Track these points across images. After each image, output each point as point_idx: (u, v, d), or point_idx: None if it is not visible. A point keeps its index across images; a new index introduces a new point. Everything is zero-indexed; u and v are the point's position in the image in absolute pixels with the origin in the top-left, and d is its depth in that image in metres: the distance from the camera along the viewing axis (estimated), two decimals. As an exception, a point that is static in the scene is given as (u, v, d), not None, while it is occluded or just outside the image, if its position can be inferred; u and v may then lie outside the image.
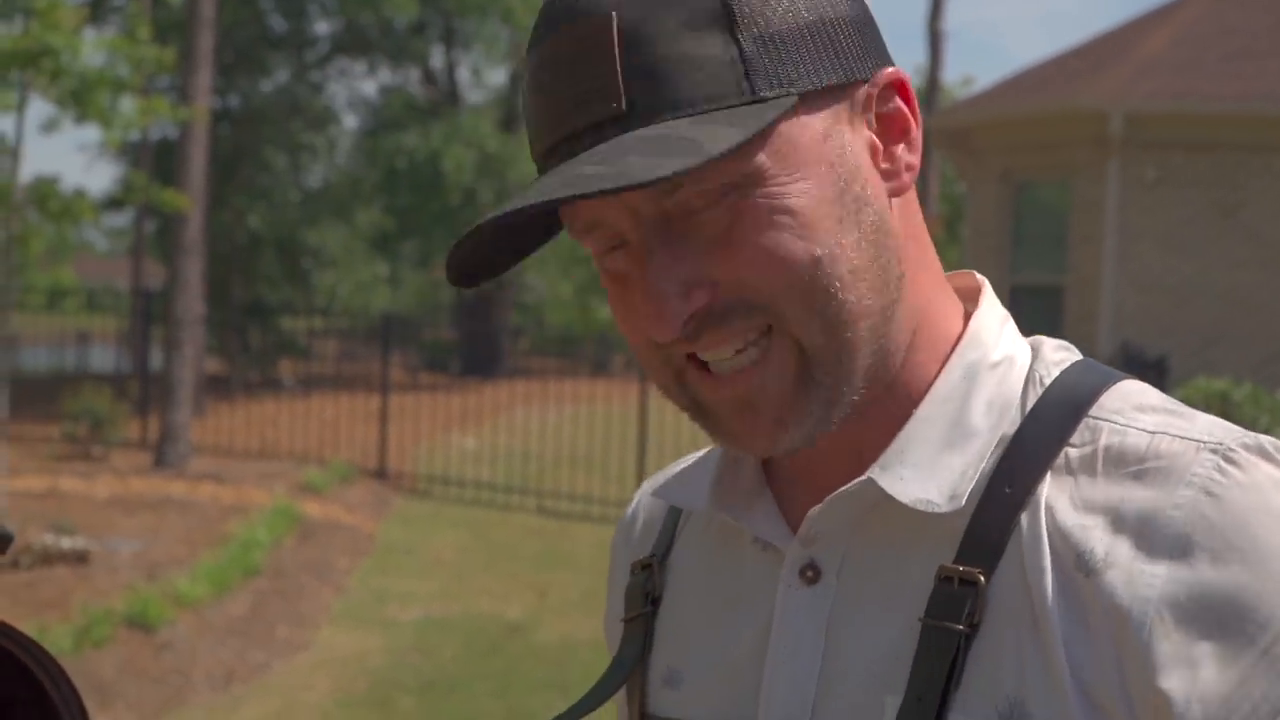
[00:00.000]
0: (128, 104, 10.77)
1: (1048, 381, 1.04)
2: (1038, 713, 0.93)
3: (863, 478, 1.00)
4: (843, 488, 1.01)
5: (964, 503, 0.98)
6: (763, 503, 1.10)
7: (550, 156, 0.97)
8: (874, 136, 1.02)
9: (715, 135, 0.91)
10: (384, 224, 28.97)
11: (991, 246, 17.04)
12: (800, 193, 0.96)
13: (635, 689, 1.16)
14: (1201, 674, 0.90)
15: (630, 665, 1.15)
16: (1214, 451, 0.95)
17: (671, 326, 0.95)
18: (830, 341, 0.98)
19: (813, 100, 0.98)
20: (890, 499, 1.00)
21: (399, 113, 29.39)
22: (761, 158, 0.95)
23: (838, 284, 0.97)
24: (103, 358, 26.08)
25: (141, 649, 7.89)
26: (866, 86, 1.02)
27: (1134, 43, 17.10)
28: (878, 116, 1.02)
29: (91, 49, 10.14)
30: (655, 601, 1.17)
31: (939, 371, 1.05)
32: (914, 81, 1.00)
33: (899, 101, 1.04)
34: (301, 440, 16.30)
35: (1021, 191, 17.07)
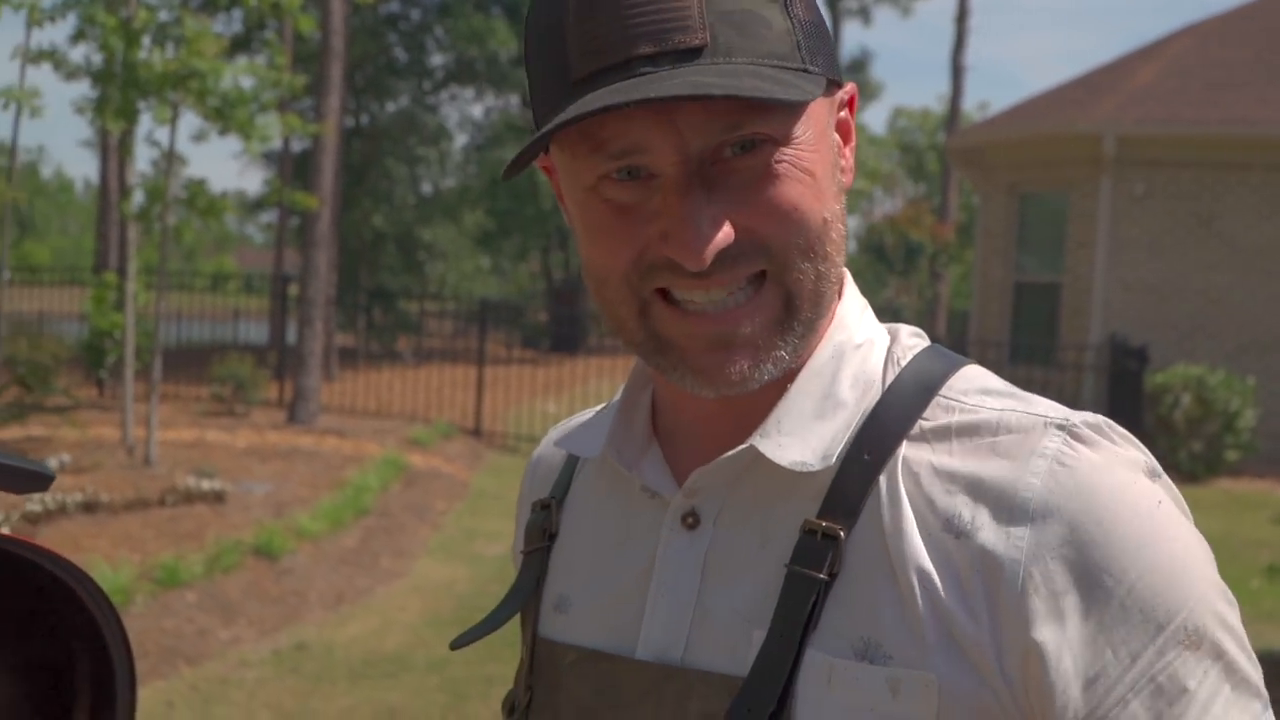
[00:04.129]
0: (266, 120, 10.81)
1: (904, 362, 1.01)
2: (895, 653, 0.90)
3: (745, 445, 0.97)
4: (728, 453, 0.98)
5: (834, 462, 0.95)
6: (651, 455, 1.07)
7: (608, 74, 0.88)
8: (838, 136, 1.01)
9: (798, 83, 0.89)
10: (486, 224, 29.06)
11: (999, 249, 16.83)
12: (818, 161, 0.94)
13: (529, 615, 1.12)
14: (1069, 626, 0.88)
15: (526, 593, 1.11)
16: (1060, 427, 0.93)
17: (707, 255, 0.89)
18: (814, 295, 0.95)
19: (826, 89, 0.95)
20: (765, 460, 0.97)
21: (501, 131, 29.38)
22: (798, 123, 0.92)
23: (830, 248, 0.95)
24: (256, 332, 26.34)
25: (265, 574, 7.91)
26: (840, 92, 1.01)
27: (1126, 74, 16.83)
28: (836, 121, 1.01)
29: (233, 73, 10.20)
30: (552, 537, 1.14)
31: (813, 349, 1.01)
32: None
33: (847, 112, 1.02)
34: (411, 403, 16.40)
35: (1026, 202, 16.84)
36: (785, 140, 0.91)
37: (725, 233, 0.90)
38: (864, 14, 43.47)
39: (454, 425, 15.06)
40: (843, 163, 1.00)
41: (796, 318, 0.94)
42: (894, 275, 27.66)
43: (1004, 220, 16.85)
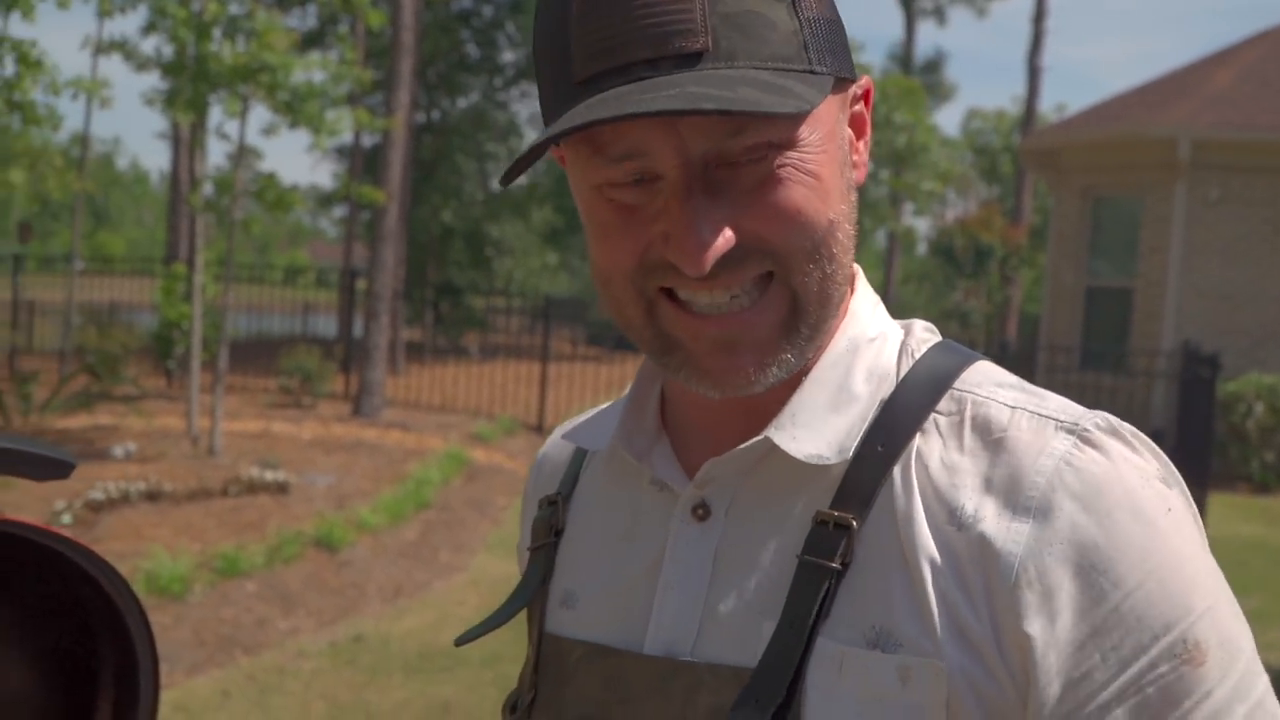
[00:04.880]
0: (335, 114, 10.89)
1: (918, 355, 1.01)
2: (906, 642, 0.90)
3: (760, 437, 0.97)
4: (743, 445, 0.97)
5: (849, 455, 0.95)
6: (661, 448, 1.06)
7: (609, 77, 0.87)
8: (851, 131, 1.00)
9: (800, 90, 0.87)
10: (555, 221, 29.11)
11: (1072, 252, 16.63)
12: (824, 163, 0.93)
13: (536, 611, 1.11)
14: (1059, 624, 0.87)
15: (532, 589, 1.11)
16: (1070, 431, 0.92)
17: (706, 261, 0.88)
18: (820, 297, 0.94)
19: (835, 86, 0.94)
20: (778, 453, 0.97)
21: (570, 128, 29.40)
22: (803, 125, 0.91)
23: (837, 249, 0.94)
24: (327, 325, 26.59)
25: (325, 566, 7.95)
26: (854, 87, 1.00)
27: (1202, 78, 16.58)
28: (850, 116, 1.00)
29: (303, 67, 10.28)
30: (558, 533, 1.13)
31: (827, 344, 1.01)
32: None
33: (862, 106, 1.02)
34: (475, 398, 16.47)
35: (1100, 206, 16.62)
36: (789, 144, 0.90)
37: (726, 238, 0.89)
38: (939, 14, 43.13)
39: (517, 421, 15.09)
40: (854, 158, 0.99)
41: (803, 320, 0.94)
42: (963, 278, 27.40)
43: (1077, 224, 16.64)
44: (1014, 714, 0.88)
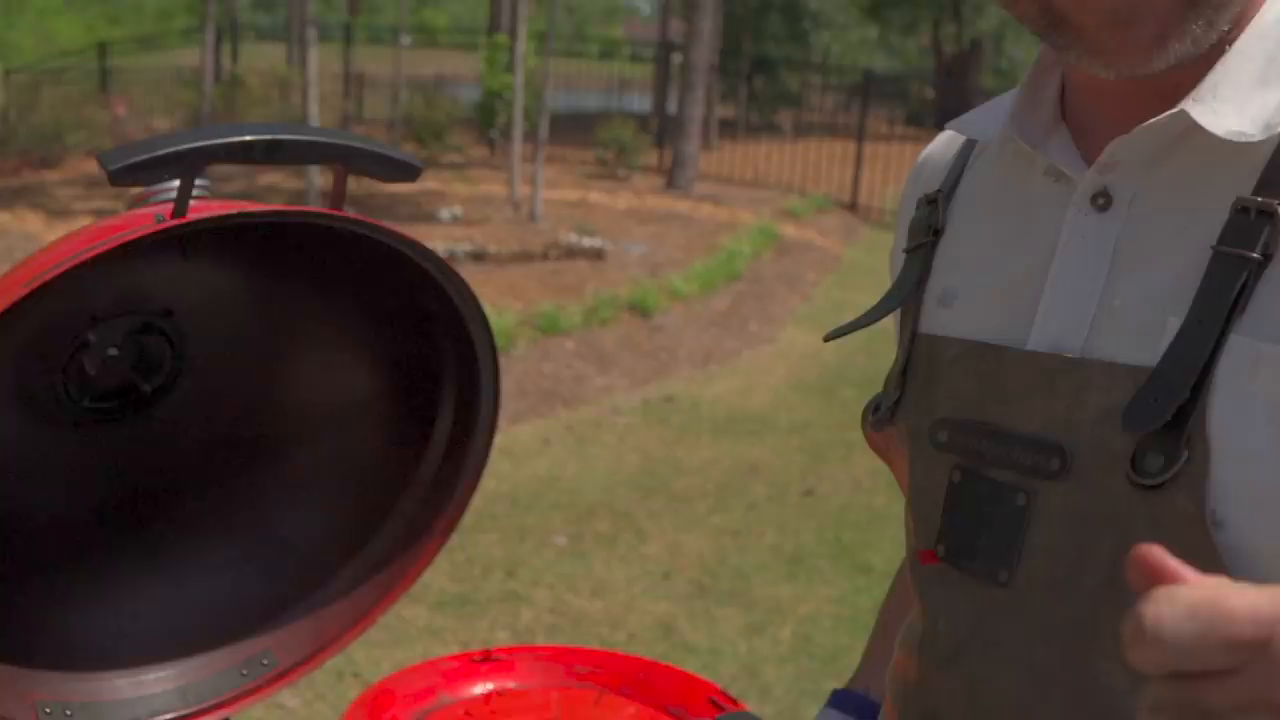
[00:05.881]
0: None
1: None
2: None
3: (1174, 110, 0.85)
4: (1152, 119, 0.86)
5: (1278, 132, 0.83)
6: (1058, 135, 0.97)
7: None
8: None
9: None
10: (876, -8, 28.27)
11: None
12: None
13: (910, 312, 1.04)
14: None
15: (908, 288, 1.04)
16: None
17: None
18: None
19: None
20: (1195, 132, 0.85)
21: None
22: None
23: None
24: (640, 103, 26.91)
25: (638, 329, 8.30)
26: None
27: None
28: None
29: None
30: (938, 233, 1.05)
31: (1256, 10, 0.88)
32: None
33: None
34: (788, 175, 16.47)
35: None
36: None
37: None
38: None
39: (829, 199, 15.07)
40: None
41: None
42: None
43: None
44: None
